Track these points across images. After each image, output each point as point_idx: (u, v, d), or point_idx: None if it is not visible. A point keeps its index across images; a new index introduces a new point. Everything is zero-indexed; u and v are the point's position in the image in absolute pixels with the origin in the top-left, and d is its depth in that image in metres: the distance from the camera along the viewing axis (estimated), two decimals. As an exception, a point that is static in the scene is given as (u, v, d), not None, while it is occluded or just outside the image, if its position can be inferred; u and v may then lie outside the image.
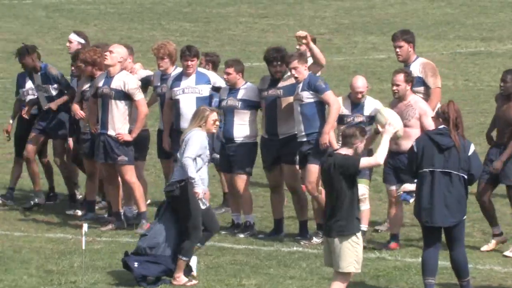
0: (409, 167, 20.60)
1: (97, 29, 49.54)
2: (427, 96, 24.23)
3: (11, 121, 27.08)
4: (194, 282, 21.08)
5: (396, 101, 23.76)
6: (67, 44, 27.50)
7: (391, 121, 19.79)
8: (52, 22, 50.17)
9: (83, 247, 20.06)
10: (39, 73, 26.26)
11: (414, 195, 20.78)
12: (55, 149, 26.53)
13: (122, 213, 24.88)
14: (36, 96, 26.83)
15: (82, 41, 27.11)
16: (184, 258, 20.77)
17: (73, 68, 26.46)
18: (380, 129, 19.81)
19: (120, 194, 25.32)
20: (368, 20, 52.49)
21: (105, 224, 24.47)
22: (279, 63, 23.84)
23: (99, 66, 24.73)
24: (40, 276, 20.80)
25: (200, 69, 25.21)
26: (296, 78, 23.26)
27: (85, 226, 20.19)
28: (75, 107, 25.07)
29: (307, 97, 23.22)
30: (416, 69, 24.33)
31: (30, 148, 26.26)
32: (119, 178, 24.86)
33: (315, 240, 23.40)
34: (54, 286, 20.32)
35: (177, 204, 21.10)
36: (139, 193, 24.31)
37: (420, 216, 20.05)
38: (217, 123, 21.50)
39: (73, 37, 27.49)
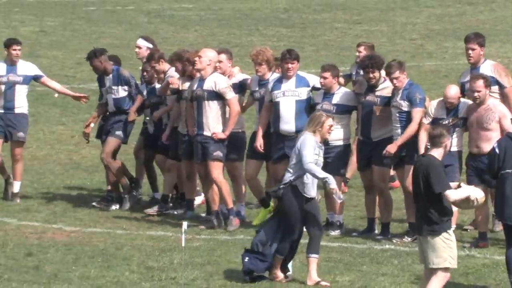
0: (491, 168, 20.29)
1: (197, 34, 49.37)
2: (502, 96, 23.87)
3: (92, 125, 26.80)
4: (289, 278, 20.90)
5: (475, 105, 23.35)
6: (136, 50, 27.45)
7: (474, 196, 18.77)
8: (153, 28, 49.71)
9: (183, 245, 19.86)
10: (110, 75, 26.12)
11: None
12: (106, 146, 26.16)
13: (219, 211, 24.63)
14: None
15: (151, 45, 27.18)
16: (279, 256, 20.67)
17: (144, 73, 26.52)
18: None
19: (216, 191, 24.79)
20: (459, 26, 51.45)
21: (205, 222, 24.37)
22: (372, 69, 23.69)
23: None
24: (141, 273, 20.81)
25: (300, 72, 24.83)
26: (396, 86, 23.27)
27: (184, 224, 20.09)
28: (132, 109, 25.68)
29: (405, 105, 23.22)
30: (487, 70, 23.93)
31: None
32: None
33: (407, 238, 23.19)
34: (154, 282, 20.34)
35: (280, 205, 21.10)
36: (225, 190, 24.25)
37: (503, 216, 20.00)
38: (332, 128, 21.38)
39: (142, 42, 27.43)
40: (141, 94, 26.31)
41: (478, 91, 22.65)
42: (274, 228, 21.24)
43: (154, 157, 26.81)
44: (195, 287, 20.23)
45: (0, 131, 26.13)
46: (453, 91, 23.37)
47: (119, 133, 26.11)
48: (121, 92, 25.99)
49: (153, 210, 25.78)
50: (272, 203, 24.35)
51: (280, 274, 20.86)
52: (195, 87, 24.65)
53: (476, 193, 19.34)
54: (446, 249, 18.56)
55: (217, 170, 24.44)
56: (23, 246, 22.64)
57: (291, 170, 20.88)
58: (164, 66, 25.91)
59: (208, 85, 24.37)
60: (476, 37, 24.34)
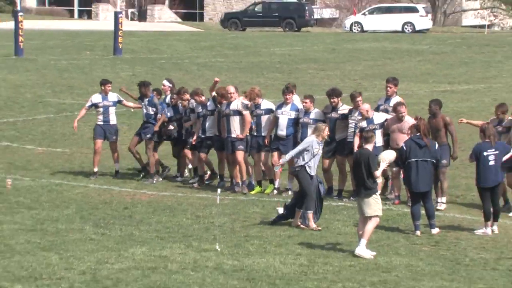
0: (401, 158, 23.95)
1: (226, 77, 53.53)
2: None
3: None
4: (303, 226, 24.05)
5: (397, 119, 26.75)
6: (162, 86, 31.23)
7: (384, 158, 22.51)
8: (200, 73, 57.89)
9: (218, 202, 23.06)
10: (147, 99, 30.10)
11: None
12: (146, 145, 30.16)
13: (239, 182, 28.23)
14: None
15: (171, 85, 31.19)
16: (298, 209, 24.12)
17: (172, 100, 30.25)
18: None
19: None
20: (383, 72, 52.94)
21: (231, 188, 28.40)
22: (334, 97, 27.80)
23: (225, 97, 28.38)
24: (192, 219, 24.56)
25: (295, 99, 28.58)
26: (358, 106, 27.33)
27: (218, 190, 23.83)
28: (156, 126, 29.53)
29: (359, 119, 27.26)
30: (396, 100, 27.75)
31: (132, 143, 30.52)
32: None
33: (352, 198, 26.62)
34: (200, 224, 23.94)
35: (297, 178, 24.72)
36: (244, 169, 28.09)
37: (410, 185, 24.11)
38: (327, 133, 24.76)
39: (165, 82, 31.36)
40: (162, 113, 29.77)
41: (403, 112, 26.54)
42: (296, 196, 24.68)
43: (182, 151, 30.23)
44: (225, 227, 23.41)
45: (101, 135, 30.45)
46: (366, 106, 26.98)
47: (144, 135, 30.13)
48: (150, 110, 29.97)
49: (194, 181, 29.39)
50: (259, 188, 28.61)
51: (298, 221, 24.16)
52: (224, 108, 28.51)
53: (390, 155, 23.39)
54: (376, 204, 21.88)
55: (241, 156, 28.13)
56: (122, 203, 26.41)
57: (301, 157, 24.34)
58: (186, 96, 29.53)
59: (233, 107, 28.32)
60: (393, 80, 28.73)
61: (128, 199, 27.09)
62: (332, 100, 27.91)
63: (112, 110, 30.94)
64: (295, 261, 20.74)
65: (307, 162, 24.17)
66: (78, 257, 20.51)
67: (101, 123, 30.80)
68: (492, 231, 23.38)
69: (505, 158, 23.81)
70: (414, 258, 21.23)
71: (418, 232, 23.49)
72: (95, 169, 30.49)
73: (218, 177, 29.56)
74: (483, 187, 23.73)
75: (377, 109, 28.06)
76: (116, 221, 24.23)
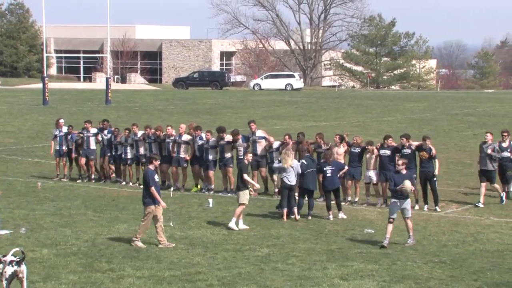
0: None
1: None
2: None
3: None
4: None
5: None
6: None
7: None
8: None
9: (171, 195, 22.76)
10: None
11: None
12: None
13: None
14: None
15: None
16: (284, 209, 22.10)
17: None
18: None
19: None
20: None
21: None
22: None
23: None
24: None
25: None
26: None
27: (172, 189, 23.40)
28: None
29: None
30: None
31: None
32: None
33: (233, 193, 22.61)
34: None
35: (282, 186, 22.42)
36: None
37: (308, 185, 22.31)
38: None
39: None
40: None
41: (272, 141, 25.57)
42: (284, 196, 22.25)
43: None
44: (176, 211, 22.32)
45: (83, 155, 28.38)
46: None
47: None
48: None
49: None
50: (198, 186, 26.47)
51: (285, 218, 22.04)
52: (177, 138, 26.63)
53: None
54: (244, 196, 20.84)
55: (184, 169, 26.62)
56: (111, 197, 25.40)
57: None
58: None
59: (183, 138, 26.61)
60: (252, 121, 26.51)
61: (115, 194, 26.51)
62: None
63: (92, 139, 28.83)
64: (220, 232, 20.53)
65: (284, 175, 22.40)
66: (83, 231, 20.44)
67: (85, 147, 28.88)
68: (337, 217, 22.48)
69: (341, 173, 23.19)
70: (293, 230, 21.05)
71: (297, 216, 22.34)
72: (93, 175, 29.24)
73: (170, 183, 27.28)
74: (326, 190, 22.86)
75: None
76: (107, 208, 23.82)
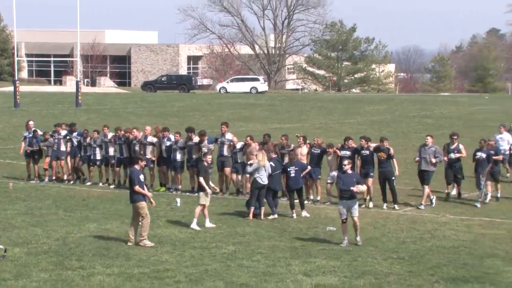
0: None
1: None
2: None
3: None
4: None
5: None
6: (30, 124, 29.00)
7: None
8: None
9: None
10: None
11: None
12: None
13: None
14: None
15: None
16: (251, 207, 21.80)
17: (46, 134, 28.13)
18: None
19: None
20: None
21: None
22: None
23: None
24: (125, 206, 22.46)
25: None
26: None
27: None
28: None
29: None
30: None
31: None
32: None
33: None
34: (129, 209, 21.01)
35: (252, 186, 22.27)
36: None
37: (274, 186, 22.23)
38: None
39: (31, 122, 29.01)
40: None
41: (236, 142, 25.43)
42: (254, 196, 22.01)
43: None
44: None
45: (54, 157, 28.00)
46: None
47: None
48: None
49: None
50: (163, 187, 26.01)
51: (251, 216, 21.88)
52: (143, 139, 26.37)
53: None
54: (202, 197, 20.47)
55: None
56: (81, 197, 25.22)
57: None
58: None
59: (149, 139, 26.35)
60: (225, 123, 26.06)
61: (85, 194, 26.22)
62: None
63: (62, 141, 28.45)
64: (187, 230, 20.41)
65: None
66: (54, 230, 20.28)
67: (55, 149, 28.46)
68: (300, 215, 22.46)
69: (304, 173, 23.04)
70: (258, 228, 21.02)
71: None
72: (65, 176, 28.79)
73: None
74: (289, 190, 22.81)
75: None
76: (78, 207, 23.61)
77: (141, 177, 18.66)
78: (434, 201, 24.09)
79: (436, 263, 16.95)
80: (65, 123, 29.38)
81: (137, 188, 18.38)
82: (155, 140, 26.71)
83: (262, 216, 21.90)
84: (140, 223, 18.69)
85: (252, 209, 21.96)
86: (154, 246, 18.40)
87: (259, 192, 22.02)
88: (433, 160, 23.65)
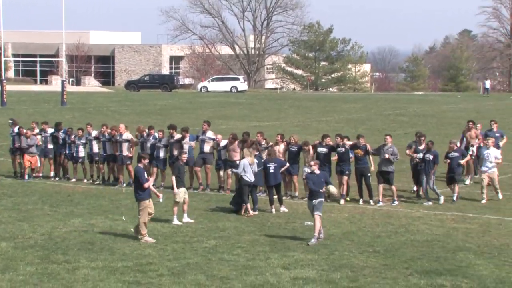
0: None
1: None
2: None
3: None
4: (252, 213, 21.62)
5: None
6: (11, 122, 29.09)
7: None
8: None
9: (123, 191, 23.29)
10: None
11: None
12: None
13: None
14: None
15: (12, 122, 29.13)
16: (244, 204, 21.74)
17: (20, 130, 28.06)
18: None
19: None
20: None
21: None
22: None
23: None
24: (109, 202, 23.35)
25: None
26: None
27: (124, 184, 24.13)
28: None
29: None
30: None
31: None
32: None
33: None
34: (113, 204, 22.67)
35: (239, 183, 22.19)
36: (131, 173, 25.03)
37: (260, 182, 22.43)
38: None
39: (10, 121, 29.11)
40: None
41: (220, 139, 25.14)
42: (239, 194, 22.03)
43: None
44: (128, 206, 22.33)
45: (42, 153, 27.96)
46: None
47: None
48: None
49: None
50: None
51: (250, 212, 21.78)
52: (118, 137, 26.16)
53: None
54: (177, 195, 19.94)
55: (130, 167, 25.68)
56: (66, 193, 25.06)
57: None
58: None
59: (125, 136, 26.12)
60: (208, 122, 26.02)
61: (70, 190, 26.14)
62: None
63: (49, 139, 28.40)
64: (169, 225, 20.35)
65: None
66: (40, 225, 20.16)
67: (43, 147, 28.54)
68: (279, 210, 22.41)
69: (282, 169, 22.90)
70: (238, 222, 20.95)
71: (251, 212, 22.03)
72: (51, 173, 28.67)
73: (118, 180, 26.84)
74: (268, 186, 22.53)
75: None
76: (63, 203, 23.49)
77: (145, 174, 18.38)
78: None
79: (410, 257, 16.97)
80: (45, 122, 29.34)
81: (146, 185, 18.11)
82: (130, 137, 26.51)
83: (243, 212, 21.79)
84: (139, 218, 18.43)
85: (246, 205, 21.79)
86: (127, 239, 18.32)
87: (246, 190, 21.88)
88: (386, 156, 23.15)
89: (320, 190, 18.47)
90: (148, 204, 18.33)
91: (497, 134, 27.30)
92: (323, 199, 18.57)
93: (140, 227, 18.28)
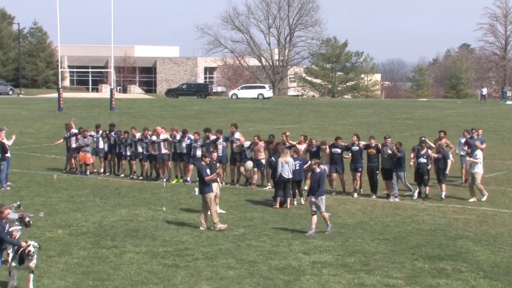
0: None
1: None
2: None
3: None
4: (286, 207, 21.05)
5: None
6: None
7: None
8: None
9: (164, 186, 23.18)
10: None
11: None
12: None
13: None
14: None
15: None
16: (279, 198, 21.15)
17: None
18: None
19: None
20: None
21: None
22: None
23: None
24: (151, 195, 23.13)
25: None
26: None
27: (164, 179, 23.48)
28: None
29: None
30: None
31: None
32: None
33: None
34: (155, 197, 22.45)
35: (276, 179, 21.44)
36: (169, 169, 25.63)
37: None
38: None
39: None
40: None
41: (242, 140, 24.65)
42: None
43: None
44: (168, 198, 21.92)
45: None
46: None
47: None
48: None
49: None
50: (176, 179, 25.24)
51: (277, 205, 21.20)
52: (155, 138, 25.80)
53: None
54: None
55: (167, 163, 25.73)
56: (114, 187, 24.84)
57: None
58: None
59: (161, 137, 26.02)
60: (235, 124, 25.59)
61: (118, 184, 25.82)
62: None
63: (101, 139, 28.14)
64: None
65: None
66: (91, 215, 20.10)
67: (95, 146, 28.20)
68: (299, 202, 21.92)
69: (305, 166, 22.06)
70: (264, 213, 20.64)
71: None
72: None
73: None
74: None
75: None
76: (111, 196, 23.30)
77: (208, 171, 18.13)
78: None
79: (416, 244, 16.83)
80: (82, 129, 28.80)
81: (207, 178, 17.93)
82: (166, 136, 26.22)
83: (288, 205, 21.27)
84: (210, 209, 18.12)
85: (279, 199, 21.29)
86: (167, 227, 18.02)
87: (285, 185, 21.34)
88: (389, 151, 22.59)
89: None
90: (211, 196, 18.01)
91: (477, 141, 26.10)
92: (323, 196, 17.89)
93: (212, 217, 17.93)
